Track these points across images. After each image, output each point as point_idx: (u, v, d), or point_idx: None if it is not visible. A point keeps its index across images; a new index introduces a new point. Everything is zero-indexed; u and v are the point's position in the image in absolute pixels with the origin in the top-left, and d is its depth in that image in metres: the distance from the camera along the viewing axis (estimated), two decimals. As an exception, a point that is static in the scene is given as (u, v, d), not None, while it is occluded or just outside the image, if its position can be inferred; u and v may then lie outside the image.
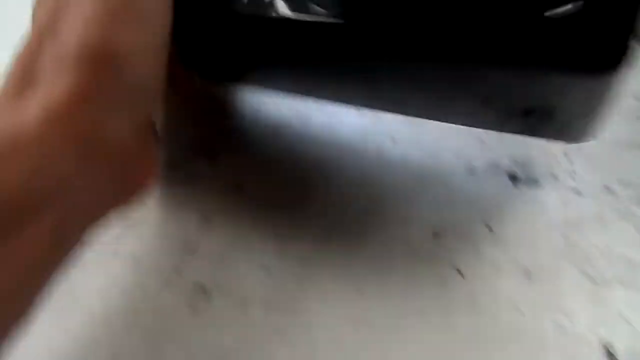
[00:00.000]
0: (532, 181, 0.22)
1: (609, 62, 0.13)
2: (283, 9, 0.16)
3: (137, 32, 0.15)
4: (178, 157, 0.24)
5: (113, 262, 0.21)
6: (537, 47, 0.14)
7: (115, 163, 0.15)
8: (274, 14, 0.16)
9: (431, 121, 0.21)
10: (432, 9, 0.15)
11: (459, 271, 0.20)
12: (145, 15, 0.15)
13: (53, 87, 0.14)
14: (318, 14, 0.16)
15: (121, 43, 0.14)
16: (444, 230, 0.21)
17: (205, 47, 0.18)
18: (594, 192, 0.22)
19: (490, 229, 0.21)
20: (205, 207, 0.22)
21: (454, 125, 0.23)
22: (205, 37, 0.18)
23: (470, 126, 0.20)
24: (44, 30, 0.15)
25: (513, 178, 0.22)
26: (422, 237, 0.20)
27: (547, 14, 0.13)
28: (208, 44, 0.18)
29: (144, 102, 0.16)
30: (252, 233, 0.21)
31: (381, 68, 0.17)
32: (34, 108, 0.14)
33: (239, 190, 0.22)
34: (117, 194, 0.16)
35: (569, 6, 0.13)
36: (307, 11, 0.16)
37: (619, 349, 0.18)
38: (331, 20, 0.16)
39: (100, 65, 0.14)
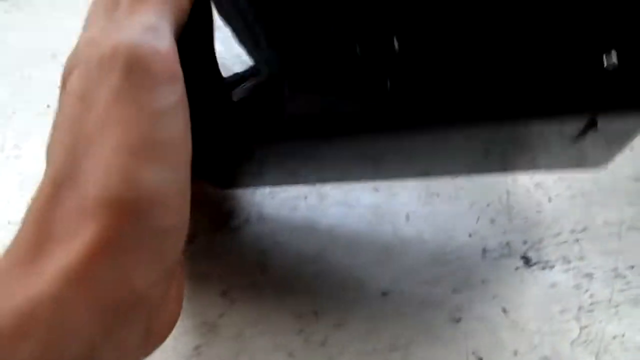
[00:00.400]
0: (545, 263, 0.23)
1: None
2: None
3: (160, 171, 0.14)
4: (200, 230, 0.24)
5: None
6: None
7: (143, 316, 0.14)
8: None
9: (442, 199, 0.22)
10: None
11: (479, 358, 0.20)
12: (167, 150, 0.14)
13: (73, 243, 0.13)
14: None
15: (145, 187, 0.13)
16: (462, 314, 0.21)
17: (215, 160, 0.18)
18: (605, 276, 0.23)
19: (506, 313, 0.21)
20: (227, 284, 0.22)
21: (464, 203, 0.24)
22: (216, 153, 0.18)
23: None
24: (61, 178, 0.13)
25: (526, 260, 0.23)
26: (441, 321, 0.21)
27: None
28: (219, 159, 0.18)
29: (172, 244, 0.15)
30: (273, 313, 0.21)
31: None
32: (51, 270, 0.12)
33: (262, 268, 0.23)
34: (142, 346, 0.15)
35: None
36: None
37: None
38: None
39: (124, 213, 0.13)
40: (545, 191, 0.26)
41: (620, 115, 0.16)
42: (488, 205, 0.25)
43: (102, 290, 0.13)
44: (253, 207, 0.25)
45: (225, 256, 0.23)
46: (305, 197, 0.25)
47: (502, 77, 0.15)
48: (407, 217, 0.25)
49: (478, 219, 0.25)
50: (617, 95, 0.15)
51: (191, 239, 0.24)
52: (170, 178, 0.14)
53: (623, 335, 0.21)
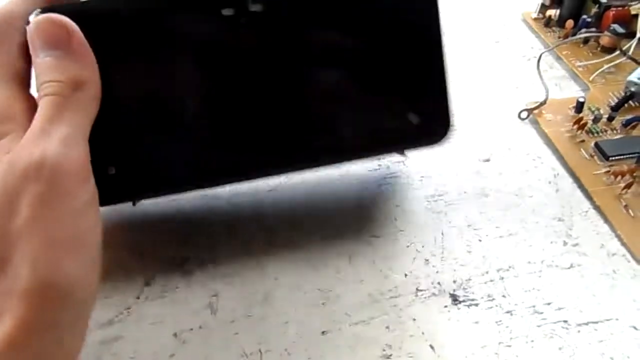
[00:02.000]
0: (471, 301, 0.25)
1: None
2: None
3: (80, 258, 0.17)
4: (157, 272, 0.26)
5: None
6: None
7: None
8: None
9: (382, 240, 0.25)
10: None
11: (404, 392, 0.22)
12: (85, 240, 0.17)
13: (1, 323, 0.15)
14: None
15: (67, 274, 0.16)
16: (393, 351, 0.23)
17: None
18: (524, 312, 0.25)
19: (434, 349, 0.24)
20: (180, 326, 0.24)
21: (402, 244, 0.27)
22: None
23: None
24: None
25: (454, 298, 0.26)
26: (373, 358, 0.23)
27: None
28: None
29: (86, 313, 0.18)
30: (220, 353, 0.23)
31: None
32: None
33: (212, 309, 0.25)
34: None
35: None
36: None
37: None
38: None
39: (48, 297, 0.15)
40: (476, 232, 0.28)
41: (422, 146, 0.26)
42: (423, 246, 0.28)
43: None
44: (206, 251, 0.27)
45: (178, 298, 0.25)
46: (256, 239, 0.28)
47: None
48: (349, 259, 0.27)
49: (414, 259, 0.27)
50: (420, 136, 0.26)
51: (148, 281, 0.26)
52: (88, 263, 0.17)
53: (536, 367, 0.23)
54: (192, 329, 0.24)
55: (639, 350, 0.23)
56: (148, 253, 0.27)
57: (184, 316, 0.24)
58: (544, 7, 0.45)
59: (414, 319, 0.24)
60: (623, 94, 0.36)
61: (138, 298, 0.25)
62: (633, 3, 0.41)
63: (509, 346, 0.24)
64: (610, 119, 0.35)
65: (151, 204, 0.29)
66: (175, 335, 0.24)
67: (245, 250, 0.27)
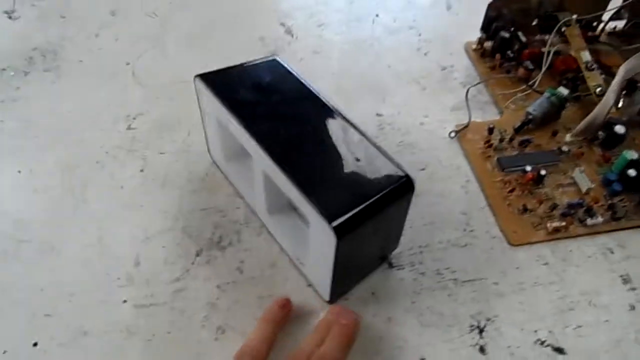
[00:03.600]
0: (400, 266, 0.41)
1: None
2: None
3: None
4: (203, 247, 0.41)
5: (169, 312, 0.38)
6: None
7: None
8: None
9: None
10: None
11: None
12: None
13: None
14: None
15: None
16: (348, 296, 0.39)
17: None
18: (431, 274, 0.41)
19: (374, 295, 0.39)
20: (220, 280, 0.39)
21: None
22: None
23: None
24: None
25: (390, 264, 0.41)
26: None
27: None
28: None
29: None
30: (246, 298, 0.39)
31: None
32: None
33: (240, 271, 0.40)
34: None
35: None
36: None
37: None
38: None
39: None
40: (408, 221, 0.44)
41: None
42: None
43: None
44: (234, 234, 0.42)
45: (218, 264, 0.41)
46: (262, 227, 0.43)
47: None
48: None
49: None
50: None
51: (198, 253, 0.41)
52: None
53: (433, 306, 0.39)
54: (228, 283, 0.39)
55: (495, 297, 0.39)
56: (194, 235, 0.42)
57: (222, 275, 0.40)
58: (481, 40, 0.59)
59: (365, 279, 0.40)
60: (524, 118, 0.50)
61: (192, 264, 0.41)
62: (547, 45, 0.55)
63: (419, 294, 0.40)
64: (512, 139, 0.49)
65: (195, 201, 0.44)
66: (218, 286, 0.39)
67: (258, 234, 0.42)
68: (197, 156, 0.48)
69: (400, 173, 0.34)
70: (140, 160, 0.47)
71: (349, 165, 0.34)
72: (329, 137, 0.36)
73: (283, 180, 0.33)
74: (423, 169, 0.48)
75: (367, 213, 0.32)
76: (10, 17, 0.63)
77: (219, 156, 0.45)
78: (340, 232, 0.30)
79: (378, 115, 0.52)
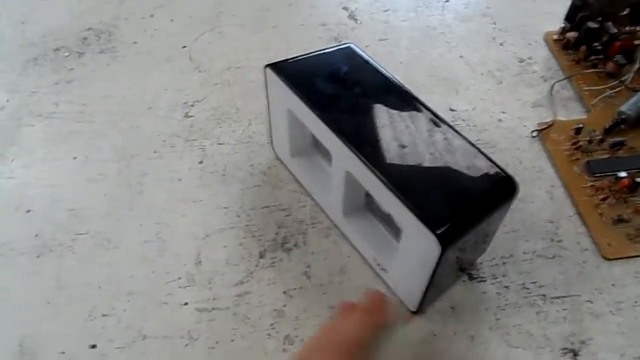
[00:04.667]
0: (481, 278, 0.37)
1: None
2: None
3: None
4: (267, 249, 0.38)
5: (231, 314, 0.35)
6: None
7: None
8: None
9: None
10: None
11: (434, 334, 0.35)
12: None
13: None
14: None
15: None
16: (427, 309, 0.36)
17: None
18: (516, 288, 0.37)
19: (454, 309, 0.36)
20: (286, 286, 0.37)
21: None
22: None
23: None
24: None
25: (470, 276, 0.38)
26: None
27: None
28: None
29: None
30: (315, 306, 0.36)
31: None
32: None
33: (307, 276, 0.37)
34: None
35: None
36: None
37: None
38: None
39: None
40: (489, 228, 0.40)
41: None
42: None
43: None
44: (300, 235, 0.39)
45: (283, 267, 0.38)
46: (330, 229, 0.40)
47: None
48: (398, 245, 0.39)
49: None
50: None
51: (262, 254, 0.38)
52: None
53: (520, 325, 0.35)
54: (295, 289, 0.37)
55: (589, 317, 0.35)
56: (257, 234, 0.39)
57: (288, 280, 0.37)
58: (564, 30, 0.54)
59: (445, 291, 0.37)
60: (616, 118, 0.46)
61: (257, 266, 0.38)
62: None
63: (503, 310, 0.36)
64: (602, 140, 0.45)
65: (257, 197, 0.41)
66: (284, 292, 0.36)
67: (325, 235, 0.39)
68: (258, 148, 0.45)
69: (503, 174, 0.31)
70: (198, 151, 0.45)
71: (445, 166, 0.31)
72: (420, 134, 0.32)
73: (372, 182, 0.30)
74: (502, 171, 0.44)
75: (472, 219, 0.29)
76: (62, -5, 0.61)
77: (284, 150, 0.42)
78: (444, 241, 0.27)
79: (451, 110, 0.48)
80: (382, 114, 0.34)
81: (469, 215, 0.29)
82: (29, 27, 0.56)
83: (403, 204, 0.28)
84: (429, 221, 0.28)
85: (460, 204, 0.29)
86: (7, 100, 0.49)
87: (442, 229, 0.27)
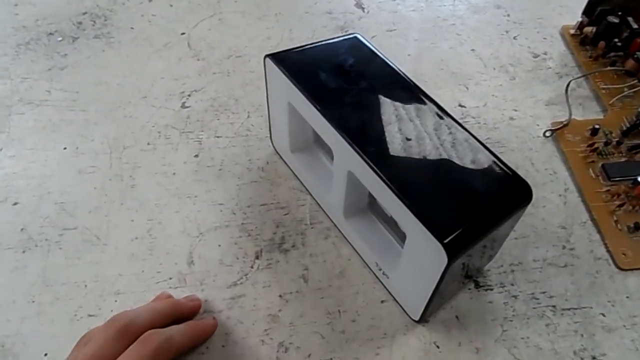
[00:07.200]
0: (487, 287, 0.35)
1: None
2: None
3: None
4: (263, 250, 0.36)
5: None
6: None
7: None
8: None
9: None
10: None
11: (436, 345, 0.33)
12: None
13: None
14: None
15: None
16: (431, 318, 0.34)
17: None
18: (525, 298, 0.35)
19: (458, 319, 0.34)
20: (282, 290, 0.35)
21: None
22: None
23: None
24: None
25: (476, 284, 0.36)
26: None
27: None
28: None
29: None
30: (312, 311, 0.34)
31: None
32: None
33: (304, 279, 0.35)
34: None
35: None
36: None
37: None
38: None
39: None
40: (497, 233, 0.38)
41: None
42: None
43: None
44: (298, 235, 0.37)
45: (280, 269, 0.36)
46: (330, 229, 0.38)
47: None
48: (401, 248, 0.37)
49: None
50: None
51: (258, 255, 0.37)
52: None
53: (528, 338, 0.33)
54: (291, 293, 0.35)
55: (602, 331, 0.33)
56: (254, 234, 0.38)
57: (285, 283, 0.35)
58: (582, 24, 0.51)
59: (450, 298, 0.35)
60: (634, 120, 0.43)
61: (252, 267, 0.36)
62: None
63: (511, 321, 0.34)
64: (619, 143, 0.42)
65: (254, 194, 0.39)
66: (280, 296, 0.34)
67: (325, 236, 0.37)
68: (257, 142, 0.43)
69: (516, 178, 0.29)
70: (195, 144, 0.43)
71: (454, 168, 0.29)
72: (428, 133, 0.30)
73: (375, 183, 0.28)
74: (513, 172, 0.41)
75: (482, 226, 0.27)
76: (59, -23, 0.59)
77: (283, 145, 0.40)
78: (452, 251, 0.25)
79: (461, 106, 0.46)
80: (388, 111, 0.31)
81: (479, 222, 0.27)
82: (22, 9, 0.54)
83: (408, 209, 0.26)
84: (436, 229, 0.26)
85: (470, 210, 0.27)
86: (-3, 86, 0.47)
87: (450, 238, 0.25)
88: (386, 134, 0.30)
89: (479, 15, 0.54)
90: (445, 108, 0.32)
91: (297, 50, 0.35)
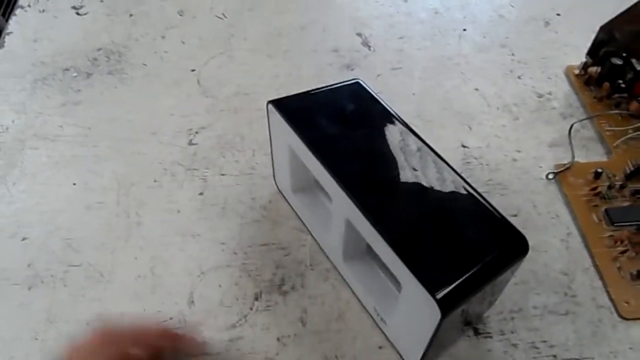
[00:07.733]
0: (487, 334, 0.35)
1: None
2: None
3: None
4: (262, 291, 0.37)
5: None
6: None
7: None
8: None
9: None
10: None
11: (433, 395, 0.33)
12: None
13: None
14: None
15: None
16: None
17: None
18: (525, 347, 0.35)
19: (456, 366, 0.34)
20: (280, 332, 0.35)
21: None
22: None
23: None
24: None
25: (475, 331, 0.35)
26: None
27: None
28: None
29: None
30: (311, 356, 0.34)
31: None
32: None
33: (302, 322, 0.35)
34: None
35: None
36: None
37: None
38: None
39: None
40: (498, 278, 0.38)
41: None
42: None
43: None
44: (297, 276, 0.38)
45: (279, 312, 0.36)
46: (329, 271, 0.38)
47: None
48: (400, 292, 0.37)
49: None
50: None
51: (257, 296, 0.37)
52: None
53: (526, 388, 0.33)
54: (289, 336, 0.35)
55: (603, 384, 0.33)
56: (254, 274, 0.38)
57: (283, 325, 0.35)
58: (586, 65, 0.51)
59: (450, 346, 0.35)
60: (638, 163, 0.43)
61: (251, 309, 0.36)
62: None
63: (510, 370, 0.34)
64: (622, 186, 0.42)
65: (256, 234, 0.40)
66: (278, 339, 0.35)
67: (324, 279, 0.38)
68: (261, 180, 0.44)
69: (513, 233, 0.29)
70: (200, 182, 0.44)
71: (451, 221, 0.29)
72: (427, 184, 0.30)
73: (372, 235, 0.28)
74: (515, 215, 0.42)
75: (477, 280, 0.27)
76: (78, 13, 0.61)
77: (286, 185, 0.40)
78: (445, 306, 0.25)
79: (464, 146, 0.46)
80: (387, 160, 0.32)
81: (474, 276, 0.27)
82: (41, 45, 0.56)
83: (402, 262, 0.27)
84: (429, 283, 0.26)
85: (464, 264, 0.27)
86: (13, 121, 0.48)
87: (443, 293, 0.26)
88: (384, 183, 0.30)
89: (483, 54, 0.55)
90: (448, 149, 0.33)
91: (298, 96, 0.36)
